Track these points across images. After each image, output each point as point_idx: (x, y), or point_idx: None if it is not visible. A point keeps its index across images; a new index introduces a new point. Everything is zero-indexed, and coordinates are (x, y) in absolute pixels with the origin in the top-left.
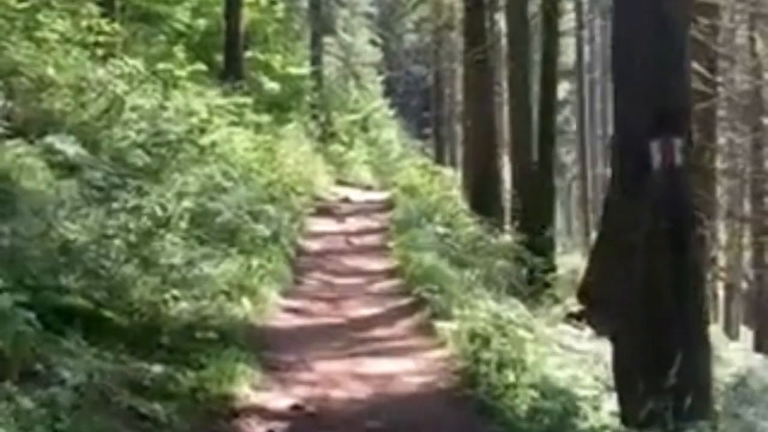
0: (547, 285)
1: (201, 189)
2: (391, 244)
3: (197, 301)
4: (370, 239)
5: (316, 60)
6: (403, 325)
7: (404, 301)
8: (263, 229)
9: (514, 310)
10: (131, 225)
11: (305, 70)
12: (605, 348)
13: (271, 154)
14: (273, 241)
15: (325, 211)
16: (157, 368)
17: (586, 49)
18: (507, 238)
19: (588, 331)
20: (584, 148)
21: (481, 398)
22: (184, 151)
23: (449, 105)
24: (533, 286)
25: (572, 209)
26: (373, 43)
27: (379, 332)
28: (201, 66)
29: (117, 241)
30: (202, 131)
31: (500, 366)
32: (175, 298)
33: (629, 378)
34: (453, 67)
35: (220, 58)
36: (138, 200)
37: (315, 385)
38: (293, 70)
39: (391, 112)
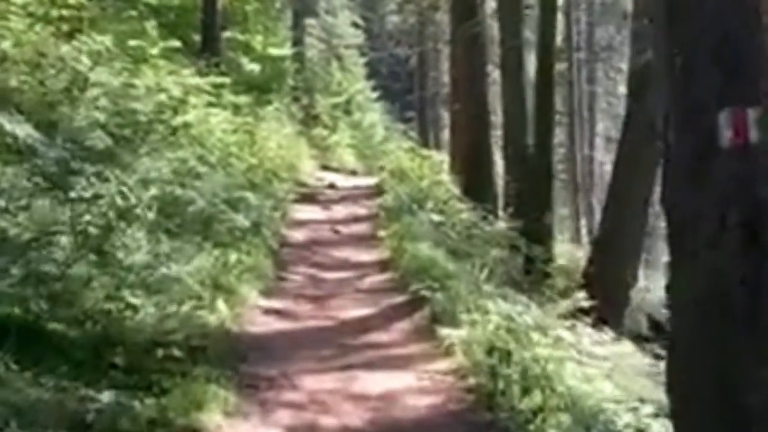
0: (546, 275)
1: (173, 175)
2: (381, 233)
3: (162, 308)
4: (359, 228)
5: (298, 41)
6: (401, 328)
7: (400, 298)
8: (242, 219)
9: (528, 312)
10: (87, 217)
11: (287, 51)
12: (632, 353)
13: (251, 137)
14: (253, 232)
15: (309, 197)
16: (107, 396)
17: (574, 29)
18: (501, 225)
19: (609, 332)
20: (573, 129)
21: (504, 425)
22: (156, 133)
23: (434, 88)
24: (531, 276)
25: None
26: (355, 24)
27: (374, 337)
28: (175, 43)
29: (65, 238)
30: (175, 111)
31: (525, 385)
32: (133, 307)
33: (689, 402)
34: (438, 47)
35: (197, 37)
36: (97, 188)
37: (301, 409)
38: (274, 51)
39: (374, 95)
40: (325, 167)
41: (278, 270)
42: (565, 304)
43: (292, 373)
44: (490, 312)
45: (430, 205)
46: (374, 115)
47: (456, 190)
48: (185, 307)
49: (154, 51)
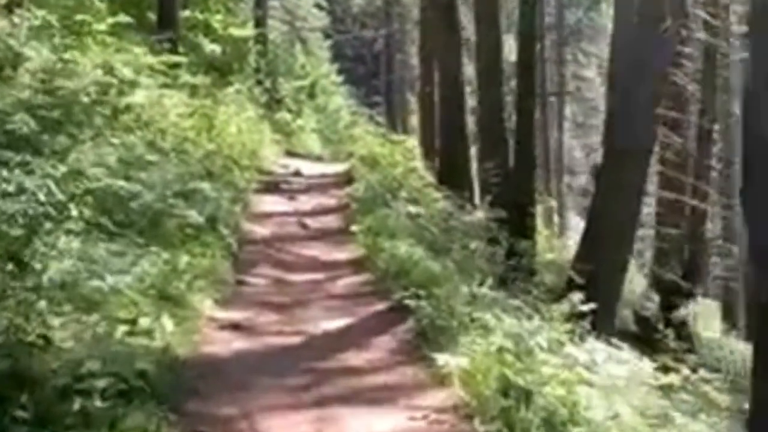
0: (532, 272)
1: (117, 164)
2: (354, 227)
3: (89, 330)
4: (329, 221)
5: (260, 22)
6: (384, 345)
7: (379, 306)
8: (196, 215)
9: (540, 331)
10: (2, 217)
11: (249, 31)
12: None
13: (209, 121)
14: (209, 228)
15: (273, 186)
16: None
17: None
18: (479, 215)
19: (625, 349)
20: (545, 112)
21: None
22: (98, 116)
23: (401, 71)
24: (515, 273)
25: None
26: (319, 6)
27: (351, 359)
28: (125, 18)
29: None
30: (121, 92)
31: None
32: (45, 338)
33: None
34: (406, 28)
35: (153, 16)
36: (20, 181)
37: None
38: (235, 32)
39: (339, 79)
40: (290, 153)
41: (238, 273)
42: (560, 307)
43: (254, 411)
44: (491, 328)
45: (404, 194)
46: (339, 100)
47: (430, 178)
48: (119, 331)
49: (102, 27)
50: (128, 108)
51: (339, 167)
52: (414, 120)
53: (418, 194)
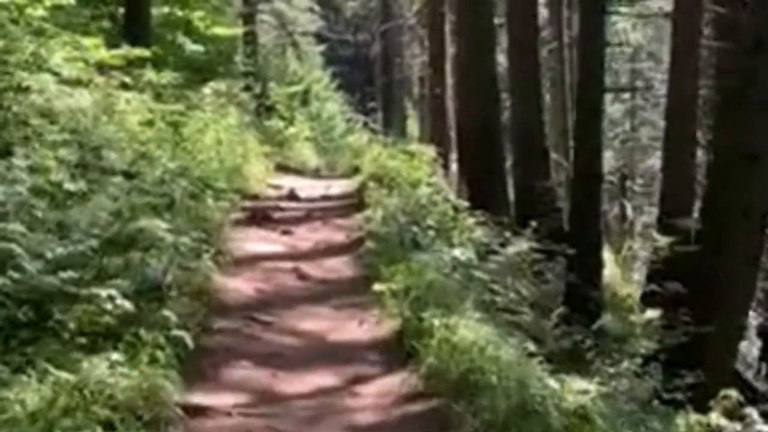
0: (618, 339)
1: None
2: (378, 286)
3: None
4: (337, 267)
5: (248, 20)
6: None
7: None
8: (121, 291)
9: None
10: None
11: (236, 30)
12: None
13: (176, 129)
14: (147, 306)
15: (261, 216)
16: None
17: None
18: (523, 246)
19: None
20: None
21: None
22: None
23: (398, 75)
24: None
25: None
26: (311, 10)
27: None
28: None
29: None
30: (53, 96)
31: None
32: None
33: None
34: (408, 23)
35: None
36: None
37: None
38: (221, 31)
39: (333, 85)
40: (282, 168)
41: (192, 386)
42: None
43: None
44: None
45: (429, 221)
46: (334, 106)
47: (451, 194)
48: None
49: (38, 11)
50: (58, 115)
51: (343, 185)
52: (412, 126)
53: (451, 222)
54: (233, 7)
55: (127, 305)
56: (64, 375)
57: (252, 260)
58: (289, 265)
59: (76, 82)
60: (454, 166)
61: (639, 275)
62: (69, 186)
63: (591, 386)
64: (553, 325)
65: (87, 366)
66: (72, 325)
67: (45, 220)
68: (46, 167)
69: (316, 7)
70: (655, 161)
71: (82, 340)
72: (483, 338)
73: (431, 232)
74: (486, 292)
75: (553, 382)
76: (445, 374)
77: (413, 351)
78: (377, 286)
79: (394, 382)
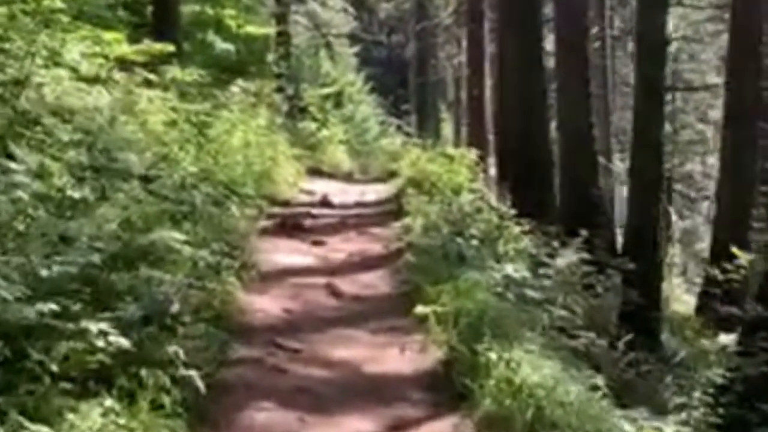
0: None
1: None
2: (422, 308)
3: None
4: (374, 283)
5: (281, 19)
6: None
7: None
8: (132, 309)
9: None
10: None
11: (269, 30)
12: None
13: (201, 130)
14: (153, 337)
15: (291, 224)
16: None
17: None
18: (572, 257)
19: None
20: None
21: None
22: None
23: (433, 76)
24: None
25: None
26: (344, 11)
27: None
28: None
29: None
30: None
31: None
32: None
33: None
34: (444, 23)
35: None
36: None
37: None
38: (253, 30)
39: (366, 87)
40: (315, 171)
41: None
42: None
43: None
44: None
45: (473, 231)
46: (367, 108)
47: (492, 199)
48: None
49: (57, 4)
50: (72, 114)
51: (379, 190)
52: (447, 129)
53: (497, 231)
54: (266, 7)
55: (123, 342)
56: (43, 430)
57: (280, 275)
58: (320, 280)
59: (95, 79)
60: (492, 170)
61: (681, 289)
62: (73, 193)
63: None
64: (621, 354)
65: (73, 417)
66: (55, 367)
67: (46, 231)
68: (51, 171)
69: (350, 8)
70: (695, 165)
71: (68, 384)
72: (549, 376)
73: (474, 242)
74: (543, 314)
75: (627, 426)
76: (507, 422)
77: (466, 390)
78: (420, 309)
79: (444, 428)
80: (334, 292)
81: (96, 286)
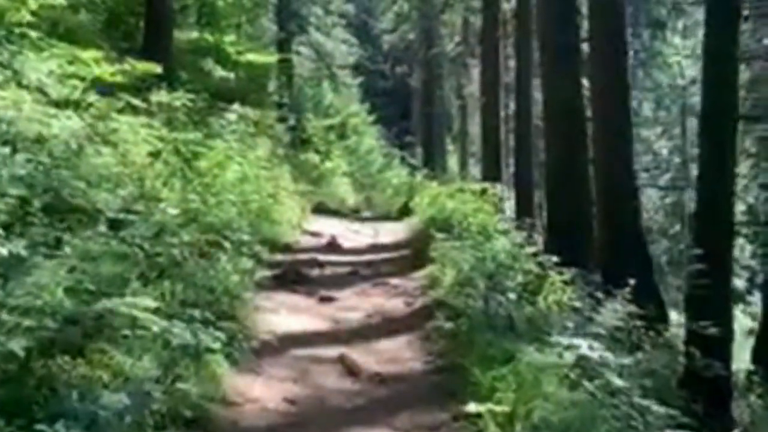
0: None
1: None
2: (468, 397)
3: None
4: (399, 356)
5: (283, 46)
6: None
7: None
8: None
9: None
10: None
11: (271, 58)
12: None
13: (188, 163)
14: None
15: (293, 275)
16: None
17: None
18: (618, 308)
19: None
20: None
21: None
22: None
23: (439, 108)
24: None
25: None
26: (347, 43)
27: None
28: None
29: None
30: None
31: None
32: None
33: None
34: (450, 55)
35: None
36: None
37: None
38: (254, 58)
39: (370, 118)
40: (321, 209)
41: None
42: None
43: None
44: None
45: (511, 283)
46: (371, 140)
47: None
48: None
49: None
50: (27, 142)
51: (392, 230)
52: (452, 161)
53: (536, 282)
54: (267, 35)
55: None
56: None
57: (281, 346)
58: (331, 351)
59: (65, 103)
60: (507, 204)
61: None
62: (2, 249)
63: None
64: None
65: None
66: None
67: None
68: None
69: (354, 39)
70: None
71: None
72: None
73: (512, 295)
74: (634, 412)
75: None
76: None
77: None
78: (474, 406)
79: None
80: (350, 370)
81: (13, 392)
